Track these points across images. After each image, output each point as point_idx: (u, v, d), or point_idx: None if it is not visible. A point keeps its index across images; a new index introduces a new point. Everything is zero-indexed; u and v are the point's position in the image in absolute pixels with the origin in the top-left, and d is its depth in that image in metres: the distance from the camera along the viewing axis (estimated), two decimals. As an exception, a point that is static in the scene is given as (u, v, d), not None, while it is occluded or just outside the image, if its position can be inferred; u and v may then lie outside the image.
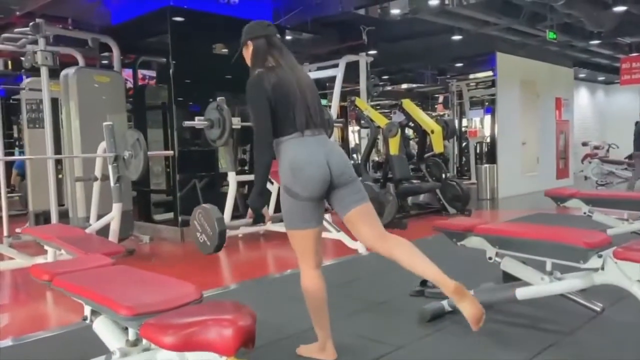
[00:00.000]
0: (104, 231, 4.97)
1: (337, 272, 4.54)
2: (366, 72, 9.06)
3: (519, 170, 11.13)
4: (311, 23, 8.60)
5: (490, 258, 3.15)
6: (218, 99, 5.94)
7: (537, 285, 2.89)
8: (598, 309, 2.77)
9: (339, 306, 2.61)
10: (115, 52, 7.08)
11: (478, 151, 13.50)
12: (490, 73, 12.58)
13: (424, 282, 3.78)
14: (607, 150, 15.10)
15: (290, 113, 2.50)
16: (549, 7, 8.06)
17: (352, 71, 9.19)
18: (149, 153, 5.02)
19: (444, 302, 3.24)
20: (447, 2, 7.18)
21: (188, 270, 5.12)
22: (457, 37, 9.08)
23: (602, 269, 2.69)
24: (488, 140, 13.32)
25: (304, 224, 2.51)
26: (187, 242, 6.49)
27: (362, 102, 7.87)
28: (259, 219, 2.68)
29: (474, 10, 7.67)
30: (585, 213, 5.01)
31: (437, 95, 16.55)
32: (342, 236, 5.51)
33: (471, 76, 13.35)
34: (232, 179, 6.04)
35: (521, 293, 2.92)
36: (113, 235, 4.89)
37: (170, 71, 6.47)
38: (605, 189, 11.99)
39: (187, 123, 5.83)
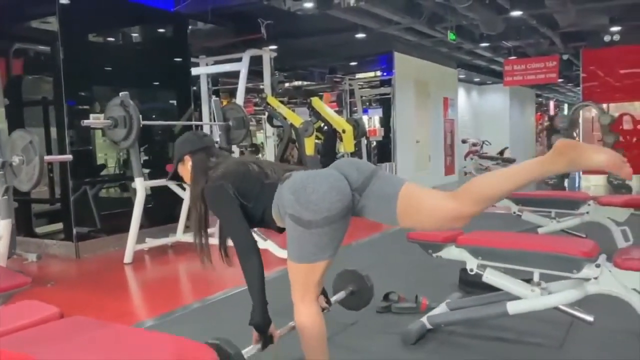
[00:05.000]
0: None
1: (278, 288, 4.06)
2: (270, 68, 8.65)
3: (413, 168, 11.40)
4: (211, 12, 7.96)
5: (471, 270, 2.93)
6: (121, 94, 5.22)
7: (529, 299, 2.73)
8: (591, 320, 2.67)
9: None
10: (-15, 36, 5.96)
11: (368, 149, 13.64)
12: (379, 73, 12.79)
13: (386, 296, 3.50)
14: (481, 147, 16.13)
15: (258, 184, 2.14)
16: (450, 8, 8.22)
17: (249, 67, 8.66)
18: (45, 158, 4.19)
19: (424, 320, 2.99)
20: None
21: (94, 295, 4.36)
22: (360, 36, 8.97)
23: (596, 278, 2.59)
24: (379, 138, 13.51)
25: (315, 256, 1.97)
26: (83, 259, 5.64)
27: (274, 100, 7.46)
28: (268, 341, 2.16)
29: (381, 8, 7.57)
30: (514, 212, 5.08)
31: (321, 93, 16.51)
32: (269, 245, 5.06)
33: (363, 75, 13.46)
34: (140, 185, 5.35)
35: (513, 308, 2.73)
36: (1, 260, 4.01)
37: (59, 61, 5.56)
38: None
39: (86, 122, 5.05)
